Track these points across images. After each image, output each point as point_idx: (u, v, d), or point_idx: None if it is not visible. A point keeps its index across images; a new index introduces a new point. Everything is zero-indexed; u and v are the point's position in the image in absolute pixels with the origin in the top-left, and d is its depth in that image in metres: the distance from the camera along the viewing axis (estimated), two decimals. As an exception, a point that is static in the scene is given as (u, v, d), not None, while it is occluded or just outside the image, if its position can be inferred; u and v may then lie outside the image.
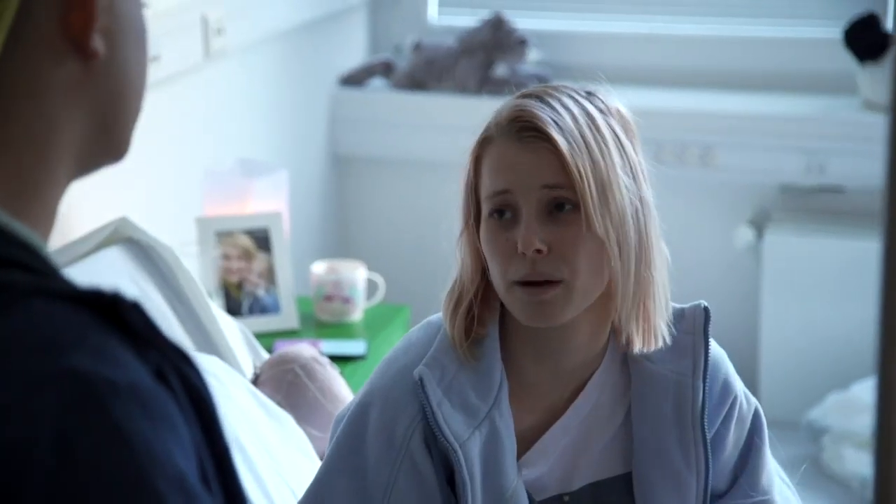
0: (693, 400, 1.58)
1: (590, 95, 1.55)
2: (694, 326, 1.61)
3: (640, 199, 1.53)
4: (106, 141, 0.93)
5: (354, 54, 3.77)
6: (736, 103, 3.53)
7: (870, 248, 3.39)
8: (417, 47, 3.65)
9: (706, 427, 1.58)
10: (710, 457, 1.58)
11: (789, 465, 2.78)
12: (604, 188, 1.49)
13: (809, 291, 3.40)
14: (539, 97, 1.53)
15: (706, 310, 1.62)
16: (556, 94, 1.53)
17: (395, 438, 1.54)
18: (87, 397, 0.77)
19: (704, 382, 1.59)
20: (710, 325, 1.61)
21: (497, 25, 3.58)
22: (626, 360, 1.60)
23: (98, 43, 0.90)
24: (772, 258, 3.43)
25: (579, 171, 1.48)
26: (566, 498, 1.59)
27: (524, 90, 1.58)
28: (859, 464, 3.10)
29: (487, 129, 1.56)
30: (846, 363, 3.36)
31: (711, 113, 3.49)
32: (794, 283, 3.42)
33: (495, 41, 3.57)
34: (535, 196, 1.50)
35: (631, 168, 1.53)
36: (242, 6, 3.02)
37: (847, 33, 3.43)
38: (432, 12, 3.83)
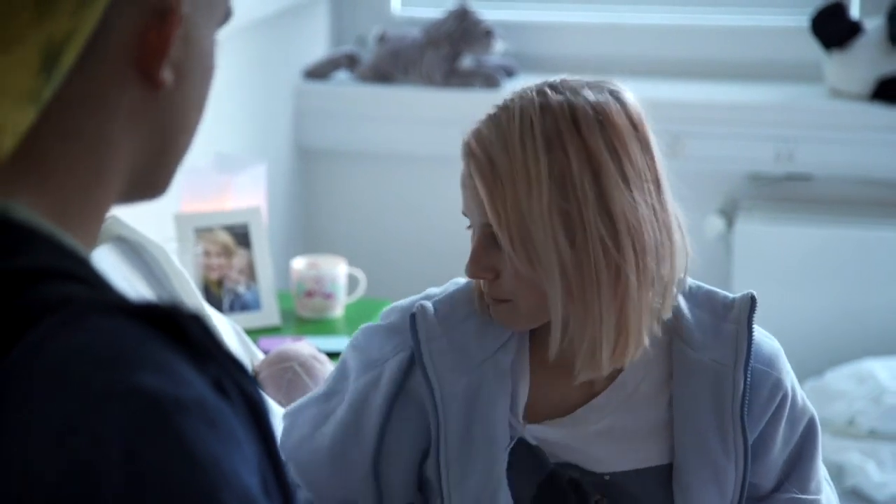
0: (733, 390, 1.56)
1: (571, 108, 1.50)
2: (739, 316, 1.59)
3: (584, 231, 1.48)
4: (153, 173, 0.92)
5: (317, 47, 3.73)
6: (703, 92, 3.53)
7: (839, 236, 3.40)
8: (382, 39, 3.61)
9: (745, 419, 1.56)
10: (748, 449, 1.56)
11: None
12: (524, 229, 1.49)
13: (781, 279, 3.41)
14: (497, 121, 1.52)
15: (753, 299, 1.60)
16: (524, 109, 1.51)
17: (372, 357, 1.62)
18: (154, 415, 0.76)
19: (746, 373, 1.56)
20: (755, 315, 1.60)
21: (462, 16, 3.56)
22: (671, 348, 1.59)
23: (167, 73, 0.88)
24: (742, 247, 3.44)
25: (498, 213, 1.50)
26: (606, 477, 1.59)
27: (523, 88, 1.54)
28: (835, 451, 3.11)
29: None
30: (819, 351, 3.37)
31: (679, 102, 3.48)
32: (765, 272, 3.43)
33: (461, 32, 3.54)
34: (478, 228, 1.55)
35: (577, 199, 1.48)
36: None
37: (814, 21, 3.44)
38: (395, 4, 3.80)
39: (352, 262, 2.92)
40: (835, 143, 3.42)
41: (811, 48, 3.47)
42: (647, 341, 1.53)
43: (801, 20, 3.51)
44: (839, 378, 3.21)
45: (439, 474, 1.57)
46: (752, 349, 1.57)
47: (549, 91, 1.52)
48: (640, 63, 3.65)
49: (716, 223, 3.49)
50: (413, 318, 1.58)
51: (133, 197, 0.93)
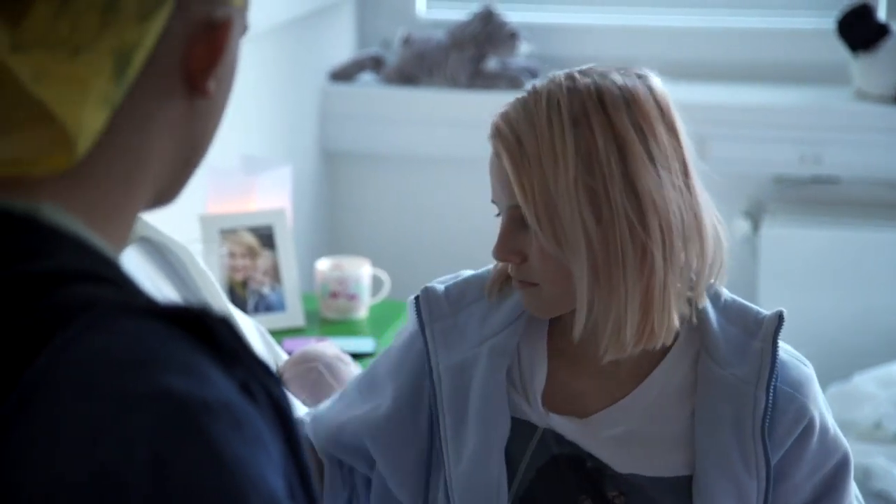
0: (754, 409, 1.53)
1: (599, 93, 1.50)
2: (766, 334, 1.57)
3: (612, 210, 1.48)
4: (176, 181, 0.94)
5: (343, 49, 3.74)
6: (729, 95, 3.52)
7: (866, 238, 3.39)
8: (407, 41, 3.62)
9: (766, 439, 1.53)
10: (770, 469, 1.54)
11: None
12: (550, 208, 1.49)
13: (806, 283, 3.40)
14: (523, 104, 1.53)
15: (781, 317, 1.57)
16: (552, 94, 1.50)
17: (403, 338, 1.68)
18: (182, 418, 0.76)
19: (768, 393, 1.53)
20: (781, 333, 1.57)
21: (487, 18, 3.56)
22: (698, 360, 1.57)
23: (213, 84, 0.90)
24: (767, 250, 3.43)
25: (525, 192, 1.50)
26: (619, 476, 1.58)
27: (552, 74, 1.55)
28: (861, 455, 3.10)
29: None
30: (846, 354, 3.36)
31: (705, 105, 3.47)
32: (791, 275, 3.41)
33: (486, 35, 3.55)
34: (506, 212, 1.55)
35: (604, 178, 1.47)
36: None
37: (840, 23, 3.43)
38: (420, 6, 3.81)
39: (376, 263, 2.92)
40: (861, 146, 3.41)
41: (837, 50, 3.46)
42: (676, 324, 1.52)
43: (827, 22, 3.50)
44: (866, 381, 3.20)
45: (442, 448, 1.61)
46: (779, 371, 1.55)
47: (577, 75, 1.53)
48: (664, 65, 3.61)
49: (741, 226, 3.48)
50: (417, 299, 1.64)
51: (156, 203, 0.94)
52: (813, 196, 3.52)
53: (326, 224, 3.68)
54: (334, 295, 2.77)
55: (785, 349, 1.59)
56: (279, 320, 2.71)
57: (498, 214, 1.58)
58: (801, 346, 3.36)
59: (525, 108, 1.51)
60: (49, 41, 0.84)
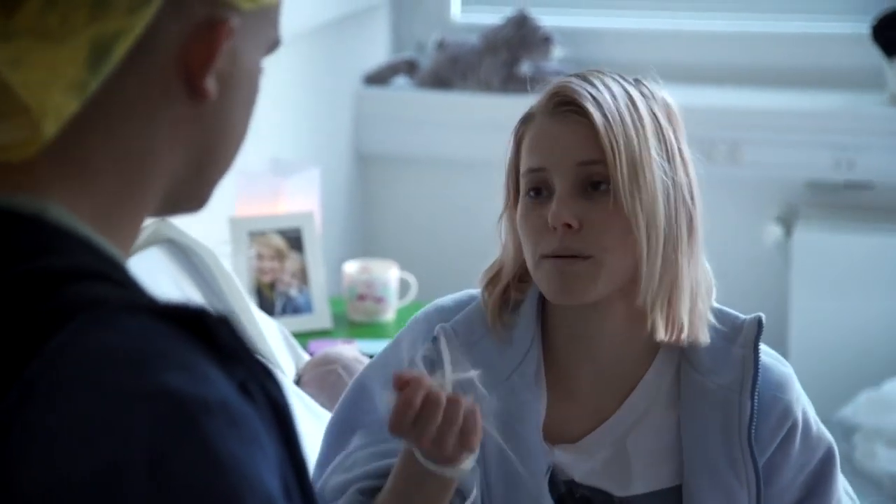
0: (739, 416, 1.54)
1: (636, 82, 1.56)
2: (746, 340, 1.56)
3: (674, 184, 1.50)
4: (191, 187, 0.94)
5: (378, 53, 3.76)
6: (763, 99, 3.51)
7: (900, 245, 3.37)
8: (441, 45, 3.63)
9: (754, 445, 1.54)
10: (760, 475, 1.54)
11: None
12: (635, 167, 1.48)
13: (839, 288, 3.39)
14: (583, 77, 1.54)
15: (760, 323, 1.57)
16: (601, 76, 1.54)
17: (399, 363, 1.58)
18: (180, 416, 0.77)
19: (752, 399, 1.54)
20: (762, 338, 1.57)
21: (521, 23, 3.57)
22: (679, 370, 1.57)
23: (211, 85, 0.90)
24: (801, 255, 3.42)
25: (612, 147, 1.48)
26: (616, 500, 1.57)
27: (573, 72, 1.58)
28: (891, 462, 3.09)
29: (530, 108, 1.57)
30: (878, 361, 3.34)
31: (739, 109, 3.47)
32: (824, 280, 3.40)
33: (519, 38, 3.55)
34: (569, 173, 1.50)
35: (668, 152, 1.51)
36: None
37: (875, 28, 3.41)
38: (455, 10, 3.82)
39: (409, 266, 2.94)
40: (895, 151, 3.39)
41: (872, 55, 3.44)
42: (710, 316, 1.55)
43: (862, 27, 3.48)
44: (897, 388, 3.19)
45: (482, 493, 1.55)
46: (760, 374, 1.55)
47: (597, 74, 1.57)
48: (699, 70, 3.63)
49: (774, 231, 3.47)
50: (435, 340, 1.55)
51: (173, 208, 0.95)
52: (846, 201, 3.50)
53: (358, 226, 3.70)
54: (361, 297, 2.79)
55: (764, 350, 1.59)
56: (306, 322, 2.73)
57: (529, 192, 1.52)
58: (833, 350, 3.36)
59: (586, 81, 1.53)
60: (36, 32, 0.85)
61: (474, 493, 1.52)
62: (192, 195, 0.95)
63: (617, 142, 1.48)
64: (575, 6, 3.78)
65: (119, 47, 0.86)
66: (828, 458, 1.59)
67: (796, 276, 3.42)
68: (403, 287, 2.88)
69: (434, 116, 3.60)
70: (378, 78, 3.65)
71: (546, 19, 3.59)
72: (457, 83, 3.60)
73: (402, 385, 1.38)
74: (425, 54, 3.72)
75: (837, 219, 3.46)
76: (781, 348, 3.44)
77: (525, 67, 3.56)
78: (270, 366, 0.86)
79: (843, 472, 3.10)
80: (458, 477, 1.43)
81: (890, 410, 3.15)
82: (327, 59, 3.46)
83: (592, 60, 3.63)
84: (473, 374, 1.43)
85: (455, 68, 3.60)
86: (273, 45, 0.97)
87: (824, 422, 3.13)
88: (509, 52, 3.56)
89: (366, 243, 3.69)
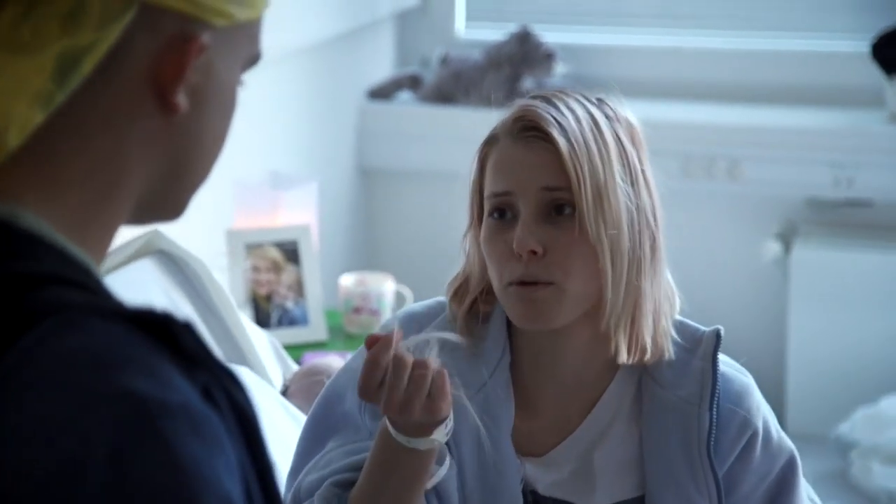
0: (698, 428, 1.55)
1: (599, 102, 1.55)
2: (705, 352, 1.58)
3: (637, 209, 1.51)
4: (166, 198, 0.95)
5: (382, 67, 3.79)
6: (763, 117, 3.53)
7: (898, 262, 3.38)
8: (444, 61, 3.66)
9: (713, 456, 1.55)
10: (720, 486, 1.56)
11: (817, 481, 2.77)
12: (600, 193, 1.49)
13: (837, 305, 3.40)
14: (546, 99, 1.54)
15: (718, 336, 1.58)
16: (564, 98, 1.54)
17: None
18: (140, 417, 0.79)
19: (711, 411, 1.55)
20: (724, 335, 1.58)
21: (524, 39, 3.60)
22: (641, 383, 1.58)
23: (182, 99, 0.91)
24: (799, 272, 3.43)
25: (577, 174, 1.48)
26: None
27: (534, 92, 1.59)
28: (887, 478, 3.09)
29: (494, 129, 1.57)
30: (875, 377, 3.35)
31: (739, 126, 3.49)
32: (822, 297, 3.41)
33: (522, 54, 3.58)
34: (534, 198, 1.50)
35: (632, 177, 1.52)
36: (271, 20, 3.03)
37: (874, 46, 3.43)
38: (459, 26, 3.85)
39: (409, 280, 2.96)
40: (895, 169, 3.40)
41: (872, 73, 3.46)
42: (673, 332, 1.56)
43: (862, 45, 3.49)
44: (894, 405, 3.19)
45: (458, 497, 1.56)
46: (719, 386, 1.56)
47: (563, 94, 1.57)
48: (699, 86, 3.65)
49: (774, 247, 3.49)
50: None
51: (149, 217, 0.97)
52: (845, 219, 3.51)
53: (360, 240, 3.72)
54: (357, 310, 2.81)
55: (724, 361, 1.60)
56: (302, 334, 2.75)
57: (493, 213, 1.53)
58: (831, 367, 3.37)
59: (550, 104, 1.52)
60: (6, 43, 0.87)
61: (445, 466, 1.52)
62: (166, 204, 0.96)
63: (582, 169, 1.48)
64: (577, 23, 3.81)
65: (87, 61, 0.88)
66: (789, 467, 1.60)
67: (795, 292, 3.43)
68: (399, 300, 2.90)
69: (437, 131, 3.63)
70: (381, 92, 3.68)
71: (549, 36, 3.62)
72: (460, 98, 3.62)
73: (373, 345, 1.41)
74: (429, 69, 3.75)
75: (837, 236, 3.47)
76: (779, 364, 3.46)
77: (528, 83, 3.59)
78: (235, 372, 0.88)
79: (839, 488, 3.11)
80: (431, 451, 1.45)
81: (887, 427, 3.16)
82: (331, 74, 3.49)
83: (594, 77, 3.65)
84: (441, 335, 1.45)
85: (458, 83, 3.62)
86: (252, 59, 0.98)
87: (821, 439, 3.17)
88: (512, 68, 3.58)
89: (367, 257, 3.72)
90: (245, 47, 0.97)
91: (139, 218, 0.96)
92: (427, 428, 1.43)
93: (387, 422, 1.45)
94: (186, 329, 0.85)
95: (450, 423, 1.46)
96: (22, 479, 0.78)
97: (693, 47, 3.69)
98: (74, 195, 0.90)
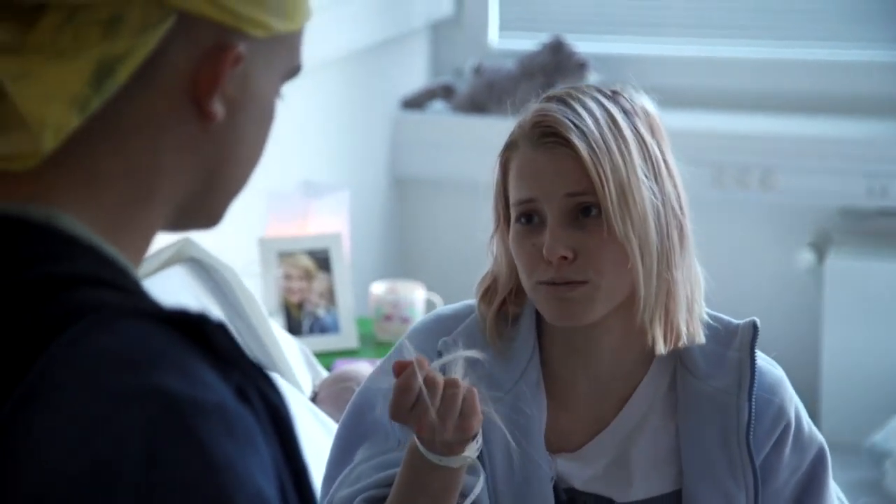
0: (738, 419, 1.57)
1: (615, 95, 1.56)
2: (742, 343, 1.59)
3: (663, 202, 1.52)
4: (202, 205, 0.96)
5: (416, 77, 3.80)
6: (797, 126, 3.52)
7: (932, 272, 3.36)
8: (478, 71, 3.67)
9: (752, 447, 1.57)
10: (758, 477, 1.57)
11: (851, 490, 2.76)
12: (624, 192, 1.50)
13: (871, 314, 3.38)
14: (562, 100, 1.55)
15: (755, 326, 1.60)
16: (580, 96, 1.55)
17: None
18: (174, 416, 0.80)
19: (750, 401, 1.57)
20: (758, 342, 1.59)
21: (557, 49, 3.60)
22: (676, 375, 1.60)
23: (218, 107, 0.92)
24: (833, 281, 3.42)
25: (600, 176, 1.49)
26: None
27: (549, 92, 1.60)
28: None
29: (512, 134, 1.59)
30: (908, 387, 3.34)
31: (772, 135, 3.48)
32: (856, 306, 3.40)
33: (555, 64, 3.59)
34: (558, 204, 1.51)
35: (654, 169, 1.53)
36: (306, 30, 3.06)
37: (909, 55, 3.42)
38: (493, 36, 3.86)
39: (441, 288, 2.97)
40: (929, 179, 3.40)
41: (907, 82, 3.45)
42: (705, 315, 1.57)
43: (895, 55, 3.48)
44: (928, 415, 3.18)
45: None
46: (756, 377, 1.58)
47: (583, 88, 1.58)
48: (732, 96, 3.65)
49: (807, 257, 3.48)
50: (440, 355, 1.54)
51: (186, 224, 0.97)
52: (879, 228, 3.50)
53: (392, 248, 3.74)
54: (388, 318, 2.83)
55: (757, 354, 1.61)
56: (333, 342, 2.77)
57: (520, 218, 1.54)
58: (865, 376, 3.35)
59: (566, 105, 1.53)
60: (48, 48, 0.89)
61: (479, 484, 1.53)
62: (203, 212, 0.97)
63: (604, 171, 1.49)
64: (610, 33, 3.81)
65: (125, 67, 0.89)
66: (819, 459, 1.61)
67: (829, 301, 3.42)
68: (430, 308, 2.91)
69: (469, 141, 3.64)
70: (415, 102, 3.70)
71: (581, 45, 3.63)
72: (492, 108, 3.63)
73: (401, 371, 1.41)
74: (462, 79, 3.76)
75: (870, 245, 3.46)
76: (814, 373, 3.45)
77: (560, 93, 3.59)
78: (269, 372, 0.88)
79: (875, 496, 3.09)
80: (461, 467, 1.46)
81: (920, 438, 3.14)
82: (366, 83, 3.51)
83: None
84: (467, 354, 1.45)
85: (491, 93, 3.63)
86: (293, 71, 0.98)
87: (855, 448, 3.15)
88: (545, 78, 3.59)
89: (398, 265, 3.73)
90: (285, 59, 0.97)
91: (176, 225, 0.97)
92: (458, 446, 1.44)
93: (416, 440, 1.45)
94: (220, 329, 0.85)
95: (479, 439, 1.47)
96: (56, 479, 0.78)
97: (725, 57, 3.69)
98: (110, 198, 0.91)
